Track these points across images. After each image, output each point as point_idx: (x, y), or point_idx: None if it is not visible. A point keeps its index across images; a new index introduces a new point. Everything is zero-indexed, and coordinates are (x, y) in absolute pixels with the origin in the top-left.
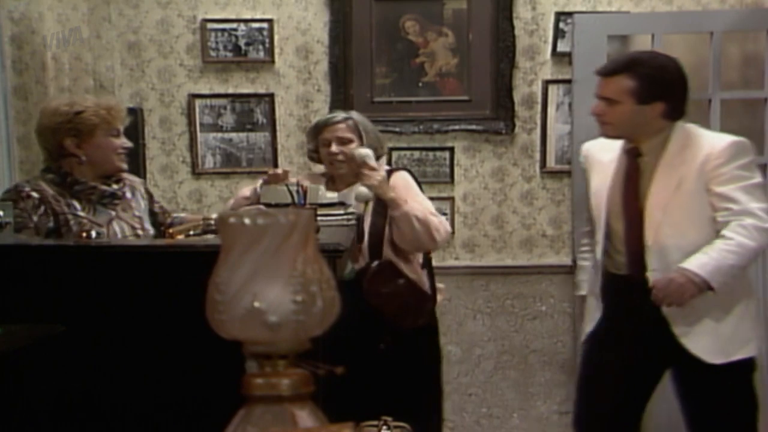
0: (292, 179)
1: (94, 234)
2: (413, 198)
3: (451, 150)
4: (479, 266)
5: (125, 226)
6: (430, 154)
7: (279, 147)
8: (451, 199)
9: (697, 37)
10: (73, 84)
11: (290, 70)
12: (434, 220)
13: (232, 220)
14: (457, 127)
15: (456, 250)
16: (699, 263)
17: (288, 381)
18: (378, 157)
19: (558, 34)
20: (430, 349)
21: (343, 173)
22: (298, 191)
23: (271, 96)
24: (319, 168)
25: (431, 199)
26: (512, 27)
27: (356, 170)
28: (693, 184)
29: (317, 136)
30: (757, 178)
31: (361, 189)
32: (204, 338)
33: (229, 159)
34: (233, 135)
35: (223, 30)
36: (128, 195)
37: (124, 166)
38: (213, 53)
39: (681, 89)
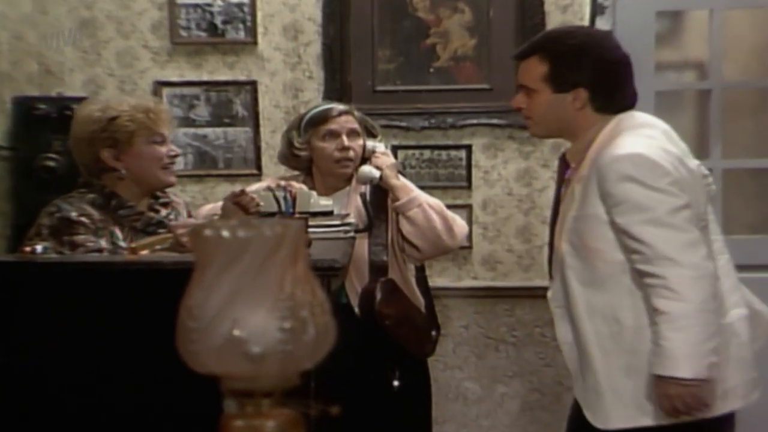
0: (292, 178)
1: (39, 248)
2: (418, 191)
3: (468, 148)
4: (502, 287)
5: None
6: (443, 153)
7: (263, 145)
8: (468, 207)
9: (765, 13)
10: (13, 68)
11: (276, 53)
12: (448, 212)
13: (207, 232)
14: (475, 121)
15: (474, 267)
16: (662, 361)
17: (273, 423)
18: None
19: (596, 9)
20: (426, 384)
21: (347, 173)
22: (285, 197)
23: (254, 84)
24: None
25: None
26: (541, 1)
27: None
28: (591, 207)
29: (315, 127)
30: (663, 206)
31: (365, 168)
32: (173, 372)
33: (203, 159)
34: (208, 130)
35: (196, 5)
36: (174, 222)
37: (173, 179)
38: (184, 33)
39: (610, 72)
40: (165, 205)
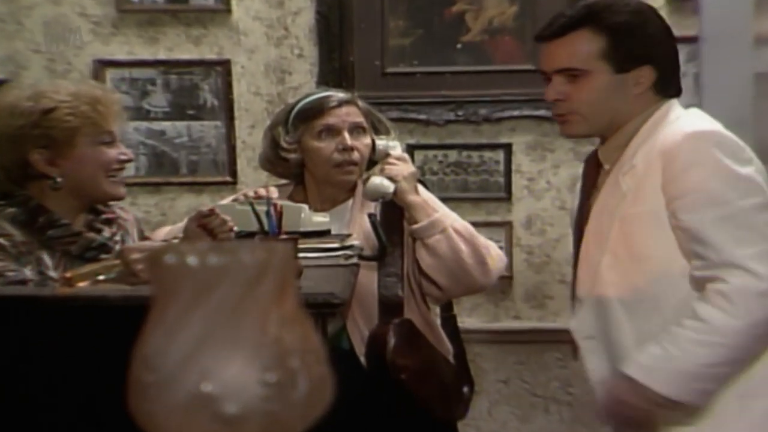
0: (261, 191)
1: None
2: (441, 208)
3: (508, 148)
4: (553, 329)
5: None
6: (474, 155)
7: (239, 144)
8: (508, 225)
9: None
10: None
11: (256, 24)
12: (480, 238)
13: (168, 258)
14: (516, 112)
15: (516, 304)
16: (644, 364)
17: None
18: None
19: None
20: None
21: (349, 181)
22: (268, 213)
23: (227, 64)
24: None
25: (475, 225)
26: None
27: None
28: (648, 203)
29: (308, 121)
30: (748, 200)
31: (376, 180)
32: None
33: (159, 163)
34: (166, 125)
35: None
36: (118, 246)
37: (122, 190)
38: None
39: (673, 45)
40: (108, 222)
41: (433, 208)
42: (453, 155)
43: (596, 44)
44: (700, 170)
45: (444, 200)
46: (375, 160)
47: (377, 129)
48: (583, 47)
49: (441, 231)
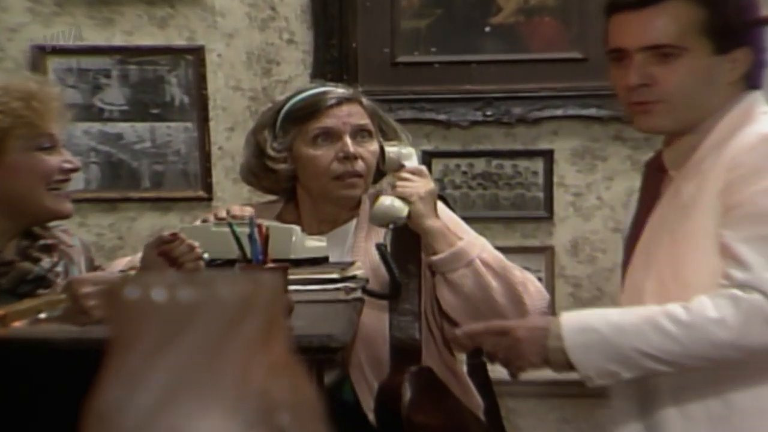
0: (235, 209)
1: None
2: (467, 233)
3: (548, 156)
4: None
5: None
6: (507, 164)
7: (215, 151)
8: (549, 250)
9: None
10: None
11: (236, 2)
12: (515, 271)
13: (129, 293)
14: (559, 111)
15: None
16: (577, 320)
17: None
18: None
19: None
20: None
21: (352, 197)
22: (251, 235)
23: (199, 52)
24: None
25: (508, 250)
26: None
27: (391, 176)
28: (703, 216)
29: (300, 124)
30: None
31: (385, 201)
32: None
33: (116, 174)
34: (124, 127)
35: None
36: (62, 277)
37: (67, 207)
38: None
39: (763, 26)
40: (47, 249)
41: (457, 235)
42: (480, 165)
43: (695, 16)
44: (762, 181)
45: (469, 221)
46: (384, 171)
47: (386, 133)
48: (680, 20)
49: (466, 264)
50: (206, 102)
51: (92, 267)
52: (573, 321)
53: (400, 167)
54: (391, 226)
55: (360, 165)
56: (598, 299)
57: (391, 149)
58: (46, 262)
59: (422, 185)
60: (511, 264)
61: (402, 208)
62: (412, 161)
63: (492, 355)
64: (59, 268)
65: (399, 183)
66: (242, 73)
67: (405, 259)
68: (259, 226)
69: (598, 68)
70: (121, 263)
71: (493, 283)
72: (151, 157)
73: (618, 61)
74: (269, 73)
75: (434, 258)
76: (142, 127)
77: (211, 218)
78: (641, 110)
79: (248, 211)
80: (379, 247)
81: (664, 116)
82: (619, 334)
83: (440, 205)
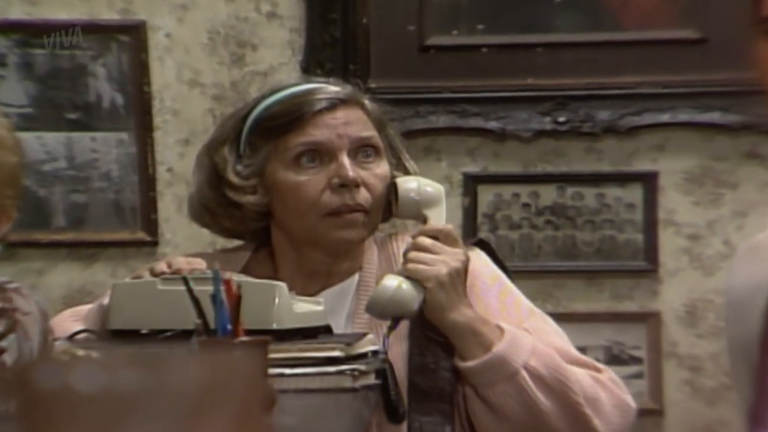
0: (178, 262)
1: None
2: (516, 316)
3: (650, 181)
4: None
5: None
6: (589, 193)
7: (162, 173)
8: (652, 319)
9: None
10: None
11: None
12: (583, 379)
13: (45, 377)
14: (666, 117)
15: None
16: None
17: None
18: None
19: None
20: None
21: (349, 239)
22: (216, 296)
23: (139, 30)
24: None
25: (592, 318)
26: None
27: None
28: None
29: (277, 137)
30: None
31: (390, 284)
32: None
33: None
34: (28, 138)
35: None
36: (10, 355)
37: None
38: None
39: None
40: None
41: (495, 328)
42: (549, 194)
43: None
44: None
45: (532, 275)
46: (396, 215)
47: (397, 153)
48: None
49: (507, 377)
50: (149, 103)
51: (45, 340)
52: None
53: (419, 218)
54: (398, 319)
55: (363, 195)
56: (726, 389)
57: (408, 185)
58: None
59: (447, 260)
60: (576, 369)
61: (413, 297)
62: (438, 212)
63: None
64: (5, 343)
65: (412, 255)
66: (202, 60)
67: (431, 329)
68: (227, 283)
69: (723, 53)
70: (69, 320)
71: (547, 403)
72: (67, 182)
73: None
74: (241, 62)
75: (462, 365)
76: (53, 138)
77: (146, 275)
78: None
79: (197, 264)
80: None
81: None
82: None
83: (476, 258)
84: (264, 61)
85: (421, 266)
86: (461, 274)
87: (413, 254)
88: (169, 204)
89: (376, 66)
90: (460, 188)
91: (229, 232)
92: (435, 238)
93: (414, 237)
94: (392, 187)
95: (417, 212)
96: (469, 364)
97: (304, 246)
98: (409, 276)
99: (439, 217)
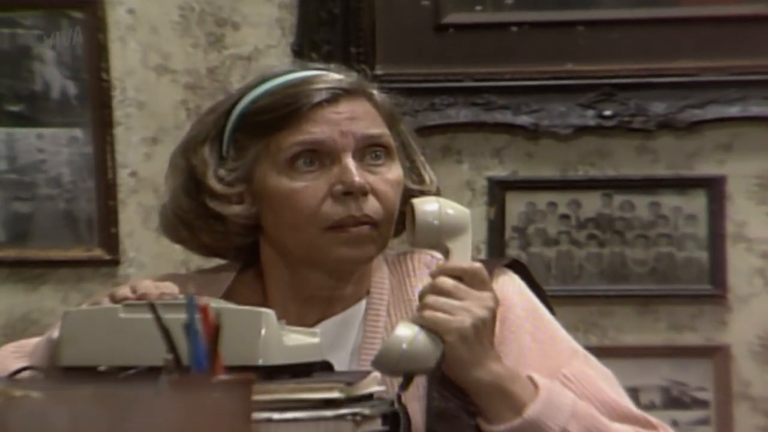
0: (145, 286)
1: None
2: (554, 359)
3: (716, 188)
4: None
5: None
6: (641, 202)
7: (124, 178)
8: (720, 352)
9: None
10: None
11: None
12: None
13: None
14: (734, 110)
15: None
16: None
17: None
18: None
19: None
20: None
21: (359, 257)
22: (190, 325)
23: (95, 6)
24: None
25: (645, 352)
26: None
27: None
28: None
29: (267, 134)
30: None
31: (404, 334)
32: None
33: None
34: None
35: None
36: None
37: None
38: None
39: None
40: None
41: (526, 383)
42: (593, 203)
43: None
44: None
45: (573, 301)
46: (412, 243)
47: (411, 156)
48: None
49: None
50: (109, 93)
51: None
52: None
53: (439, 249)
54: (410, 376)
55: (372, 205)
56: None
57: (426, 208)
58: None
59: (472, 308)
60: (624, 427)
61: (429, 352)
62: (462, 244)
63: None
64: None
65: (430, 300)
66: (172, 42)
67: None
68: (204, 310)
69: None
70: (10, 356)
71: None
72: (8, 188)
73: None
74: (220, 44)
75: (488, 429)
76: None
77: (105, 301)
78: None
79: (168, 288)
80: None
81: None
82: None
83: (509, 284)
84: (247, 43)
85: (440, 315)
86: (488, 324)
87: (431, 299)
88: (132, 215)
89: (383, 49)
90: (485, 196)
91: (209, 249)
92: (458, 278)
93: (433, 275)
94: (408, 210)
95: (437, 242)
96: (496, 428)
97: (301, 266)
98: (426, 326)
99: (463, 250)
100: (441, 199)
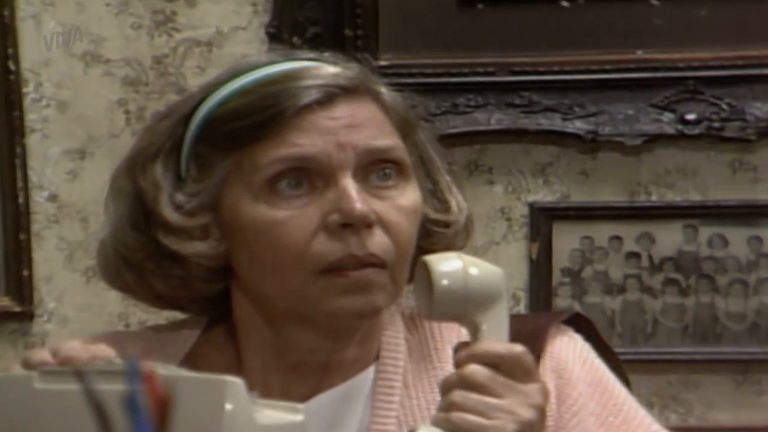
0: (72, 348)
1: None
2: None
3: None
4: None
5: None
6: (737, 236)
7: (38, 204)
8: None
9: None
10: None
11: None
12: None
13: None
14: None
15: None
16: None
17: None
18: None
19: None
20: None
21: (366, 311)
22: (132, 400)
23: None
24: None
25: None
26: None
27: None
28: None
29: (240, 148)
30: None
31: None
32: None
33: None
34: None
35: None
36: None
37: None
38: None
39: None
40: None
41: None
42: (671, 237)
43: None
44: None
45: (642, 366)
46: (426, 315)
47: (432, 174)
48: None
49: None
50: (19, 90)
51: None
52: None
53: (465, 324)
54: None
55: (380, 241)
56: None
57: (444, 267)
58: None
59: (515, 409)
60: None
61: None
62: (497, 316)
63: None
64: None
65: (458, 398)
66: (106, 23)
67: None
68: (149, 378)
69: None
70: None
71: None
72: None
73: None
74: (170, 24)
75: None
76: None
77: (17, 368)
78: None
79: (102, 351)
80: None
81: None
82: None
83: (571, 348)
84: (207, 24)
85: (472, 418)
86: (536, 428)
87: (460, 396)
88: (52, 253)
89: (389, 33)
90: (525, 229)
91: (164, 299)
92: (493, 365)
93: (459, 360)
94: (419, 269)
95: (461, 314)
96: None
97: (286, 322)
98: (447, 425)
99: (498, 325)
100: (464, 255)
